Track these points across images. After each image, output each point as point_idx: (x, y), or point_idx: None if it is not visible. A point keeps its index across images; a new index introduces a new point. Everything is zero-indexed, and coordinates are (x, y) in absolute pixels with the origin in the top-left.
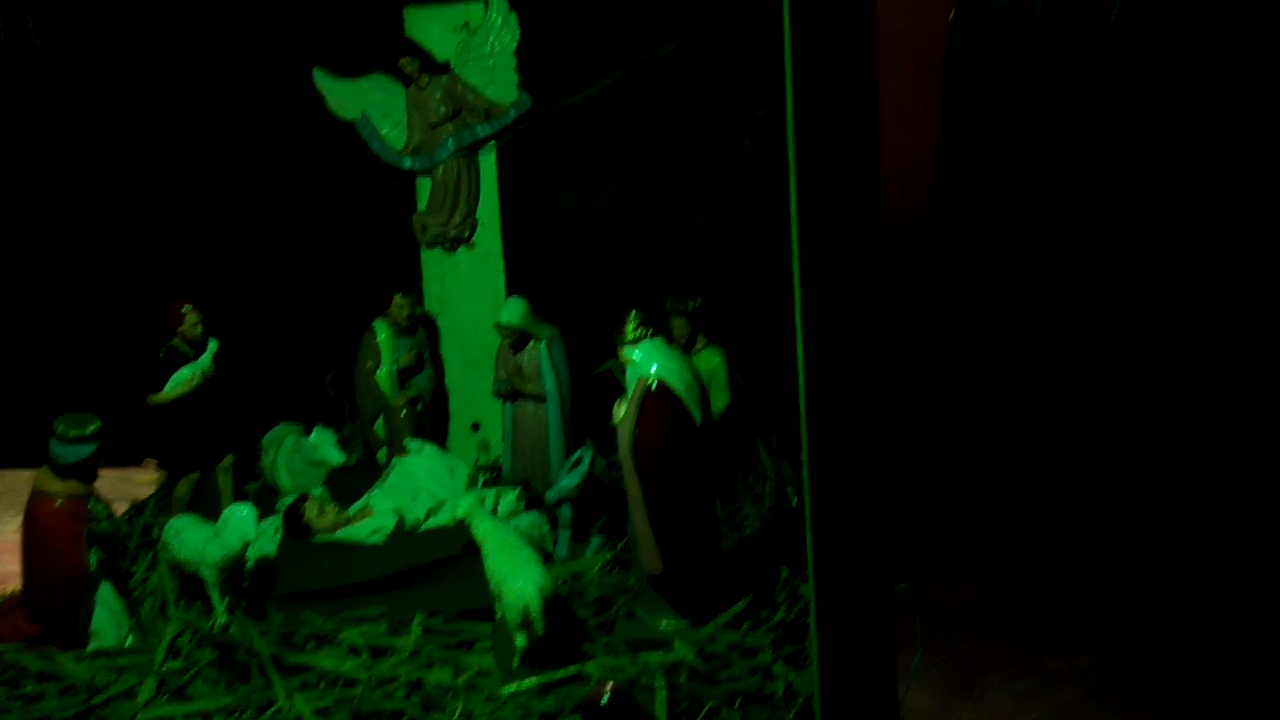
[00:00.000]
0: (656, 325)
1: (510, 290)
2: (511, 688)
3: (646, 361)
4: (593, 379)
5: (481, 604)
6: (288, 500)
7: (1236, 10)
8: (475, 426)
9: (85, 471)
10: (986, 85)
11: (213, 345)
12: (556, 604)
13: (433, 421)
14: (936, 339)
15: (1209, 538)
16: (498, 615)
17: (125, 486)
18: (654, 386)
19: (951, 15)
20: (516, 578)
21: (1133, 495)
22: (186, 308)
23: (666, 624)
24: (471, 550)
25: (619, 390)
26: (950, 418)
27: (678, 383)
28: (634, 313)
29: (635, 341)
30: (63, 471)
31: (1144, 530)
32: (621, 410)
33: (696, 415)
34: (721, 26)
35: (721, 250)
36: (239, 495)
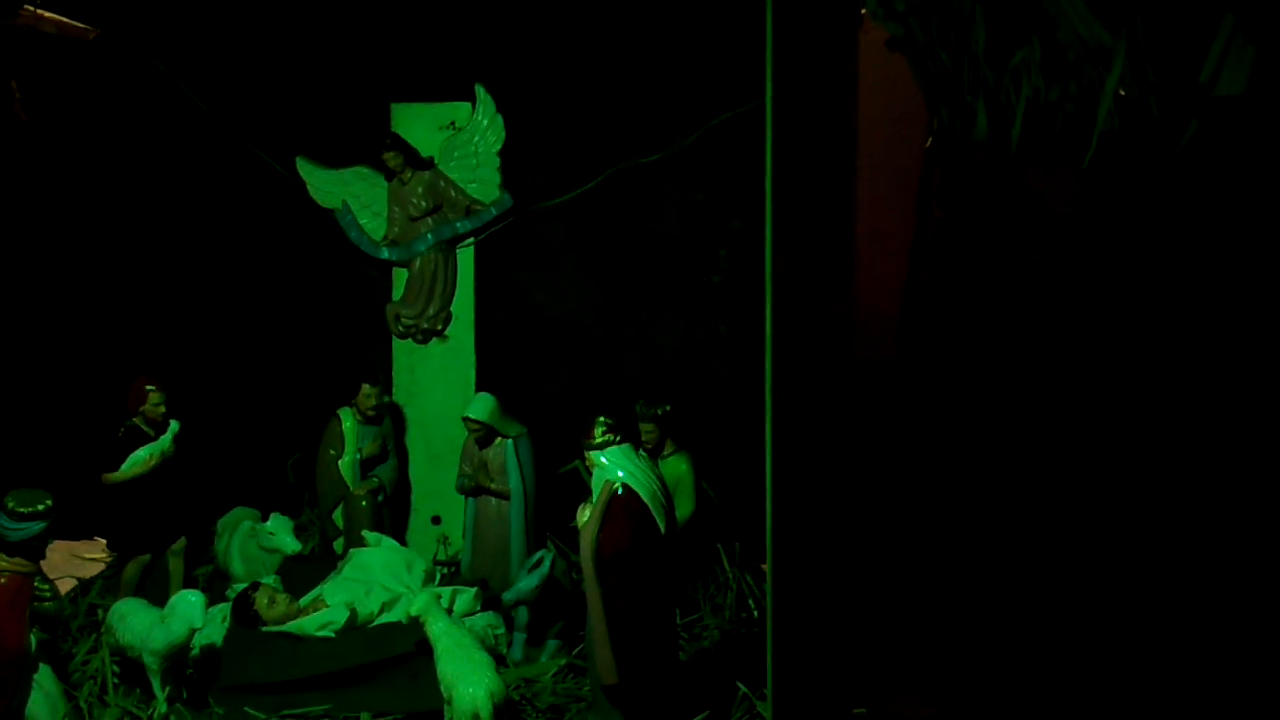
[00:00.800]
0: (624, 431)
1: (480, 385)
2: None
3: (613, 466)
4: (557, 479)
5: (431, 706)
6: (239, 587)
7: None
8: (436, 520)
9: (33, 550)
10: (959, 208)
11: (174, 427)
12: (507, 710)
13: (393, 513)
14: (903, 456)
15: (1175, 663)
16: (447, 718)
17: (72, 563)
18: (619, 491)
19: (929, 142)
20: (468, 681)
21: (1093, 619)
22: (150, 387)
23: None
24: (424, 649)
25: (584, 492)
26: (910, 535)
27: (643, 490)
28: (602, 418)
29: (602, 446)
30: (9, 549)
31: (1104, 656)
32: (586, 514)
33: (661, 523)
34: (704, 140)
35: (692, 357)
36: (189, 580)
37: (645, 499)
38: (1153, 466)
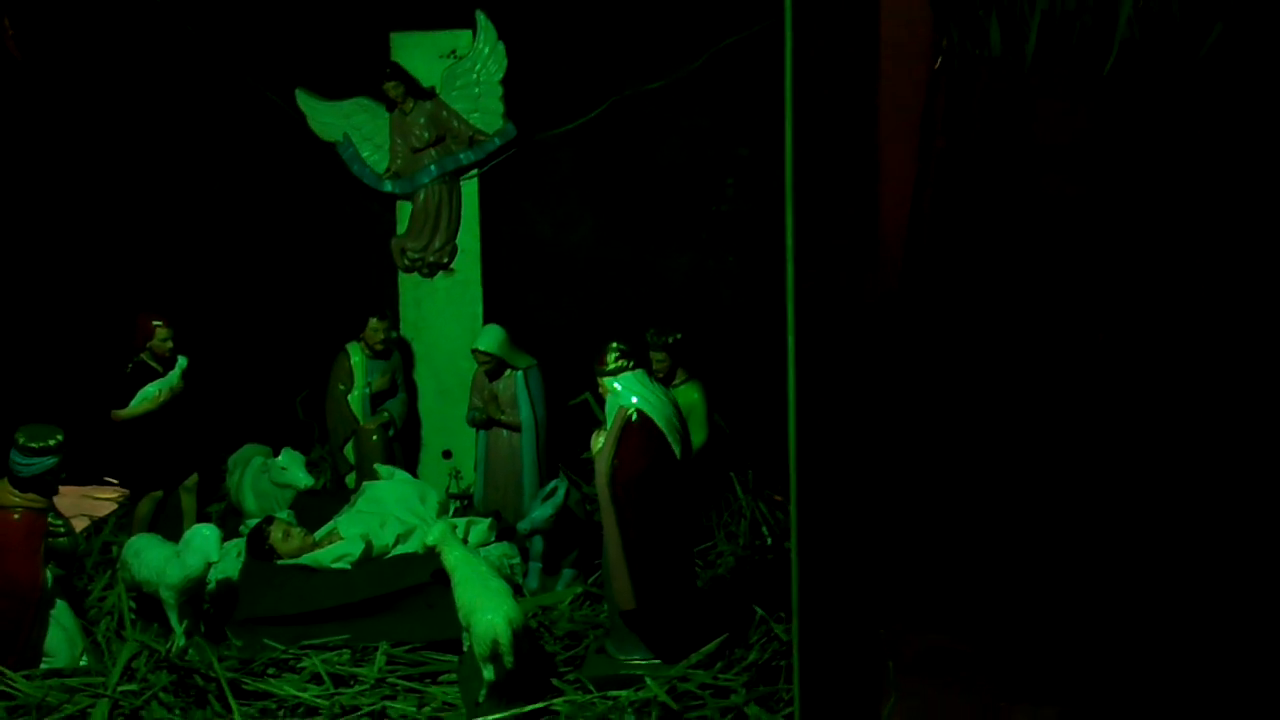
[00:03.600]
0: (637, 358)
1: (488, 318)
2: None
3: (627, 393)
4: (568, 411)
5: (449, 635)
6: (252, 522)
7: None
8: (447, 454)
9: (45, 485)
10: (964, 136)
11: (182, 362)
12: (526, 637)
13: (404, 448)
14: (908, 389)
15: (1178, 589)
16: (465, 647)
17: (85, 504)
18: (634, 417)
19: (938, 63)
20: (486, 609)
21: (1100, 545)
22: (157, 323)
23: (637, 661)
24: (440, 579)
25: (594, 423)
26: (917, 462)
27: (658, 415)
28: (614, 344)
29: (615, 373)
30: (22, 484)
31: (1112, 581)
32: (600, 441)
33: (677, 449)
34: (709, 65)
35: (702, 287)
36: (202, 516)
37: (660, 424)
38: (1163, 399)
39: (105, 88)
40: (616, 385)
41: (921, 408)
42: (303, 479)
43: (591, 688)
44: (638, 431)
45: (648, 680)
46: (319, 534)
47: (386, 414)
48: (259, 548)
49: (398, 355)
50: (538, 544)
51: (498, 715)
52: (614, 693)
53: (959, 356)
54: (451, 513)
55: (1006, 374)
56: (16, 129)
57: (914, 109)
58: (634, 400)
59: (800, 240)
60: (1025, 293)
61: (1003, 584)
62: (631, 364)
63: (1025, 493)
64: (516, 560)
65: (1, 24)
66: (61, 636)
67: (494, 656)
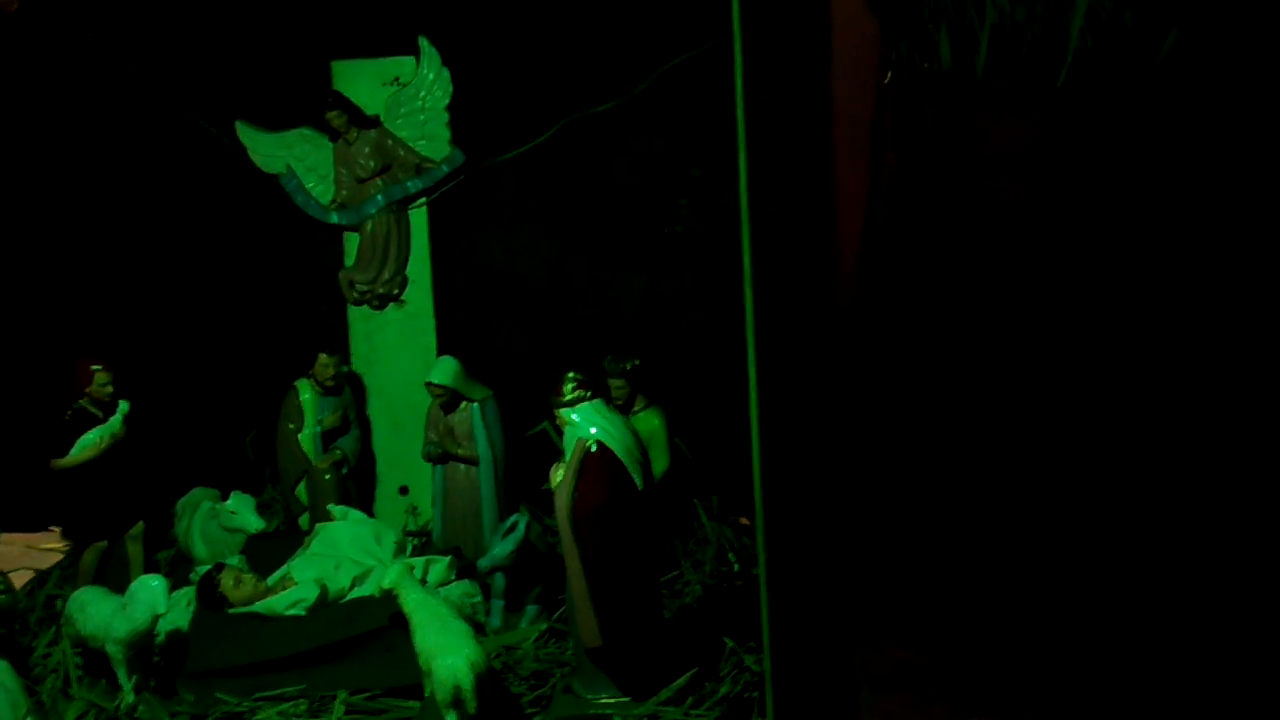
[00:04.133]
0: (595, 387)
1: (441, 350)
2: None
3: (585, 423)
4: (526, 442)
5: (409, 680)
6: (202, 569)
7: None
8: (403, 490)
9: None
10: (913, 152)
11: (123, 407)
12: (490, 680)
13: (359, 486)
14: (867, 402)
15: (1149, 597)
16: (426, 693)
17: (28, 555)
18: (593, 448)
19: (888, 77)
20: (447, 652)
21: (1066, 554)
22: (96, 367)
23: (606, 700)
24: (399, 622)
25: (554, 454)
26: (879, 475)
27: (618, 445)
28: (571, 374)
29: (573, 403)
30: None
31: (1081, 591)
32: (559, 474)
33: (638, 479)
34: (658, 86)
35: (658, 310)
36: (150, 564)
37: (620, 455)
38: (1126, 411)
39: (35, 126)
40: (575, 416)
41: (881, 421)
42: (253, 523)
43: None
44: (597, 463)
45: (616, 719)
46: (272, 579)
47: (339, 452)
48: (210, 596)
49: (349, 391)
50: (499, 581)
51: None
52: None
53: (916, 369)
54: (409, 552)
55: (964, 385)
56: None
57: (866, 123)
58: (593, 431)
59: (757, 257)
60: (980, 305)
61: (967, 596)
62: (589, 394)
63: (988, 503)
64: (478, 598)
65: None
66: (3, 698)
67: (456, 702)
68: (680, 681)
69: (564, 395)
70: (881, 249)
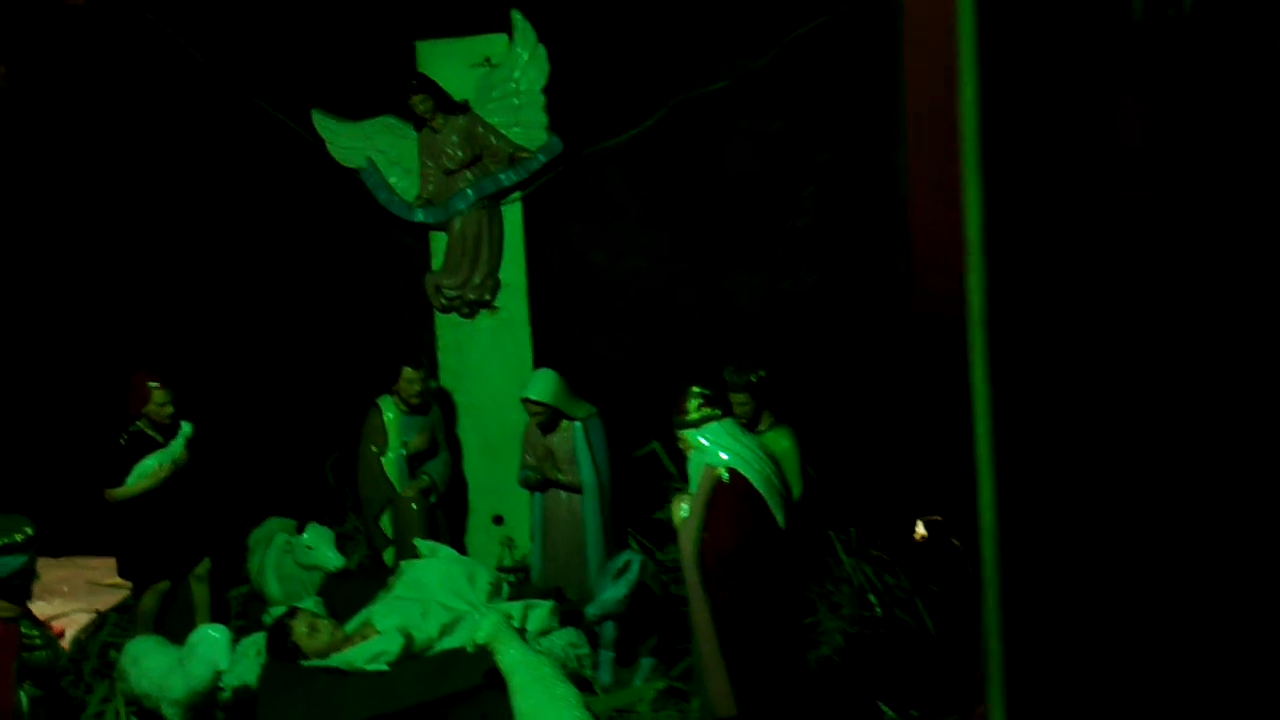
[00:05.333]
0: (725, 404)
1: (538, 362)
2: None
3: (714, 448)
4: (633, 464)
5: None
6: (276, 611)
7: None
8: (498, 520)
9: (14, 589)
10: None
11: (185, 429)
12: None
13: (448, 516)
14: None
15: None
16: None
17: (89, 593)
18: (725, 478)
19: None
20: None
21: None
22: (153, 384)
23: None
24: (495, 681)
25: (664, 476)
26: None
27: (754, 473)
28: (696, 389)
29: (699, 423)
30: None
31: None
32: (684, 507)
33: (779, 514)
34: (778, 60)
35: (778, 315)
36: (220, 604)
37: (757, 484)
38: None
39: (105, 125)
40: (702, 439)
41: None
42: (331, 560)
43: None
44: (730, 495)
45: None
46: (350, 626)
47: (427, 478)
48: (281, 646)
49: (437, 409)
50: (609, 630)
51: None
52: None
53: (1039, 383)
54: (506, 594)
55: (1091, 390)
56: (7, 173)
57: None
58: (724, 456)
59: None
60: (1113, 308)
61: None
62: (719, 412)
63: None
64: (585, 650)
65: None
66: None
67: None
68: None
69: (688, 414)
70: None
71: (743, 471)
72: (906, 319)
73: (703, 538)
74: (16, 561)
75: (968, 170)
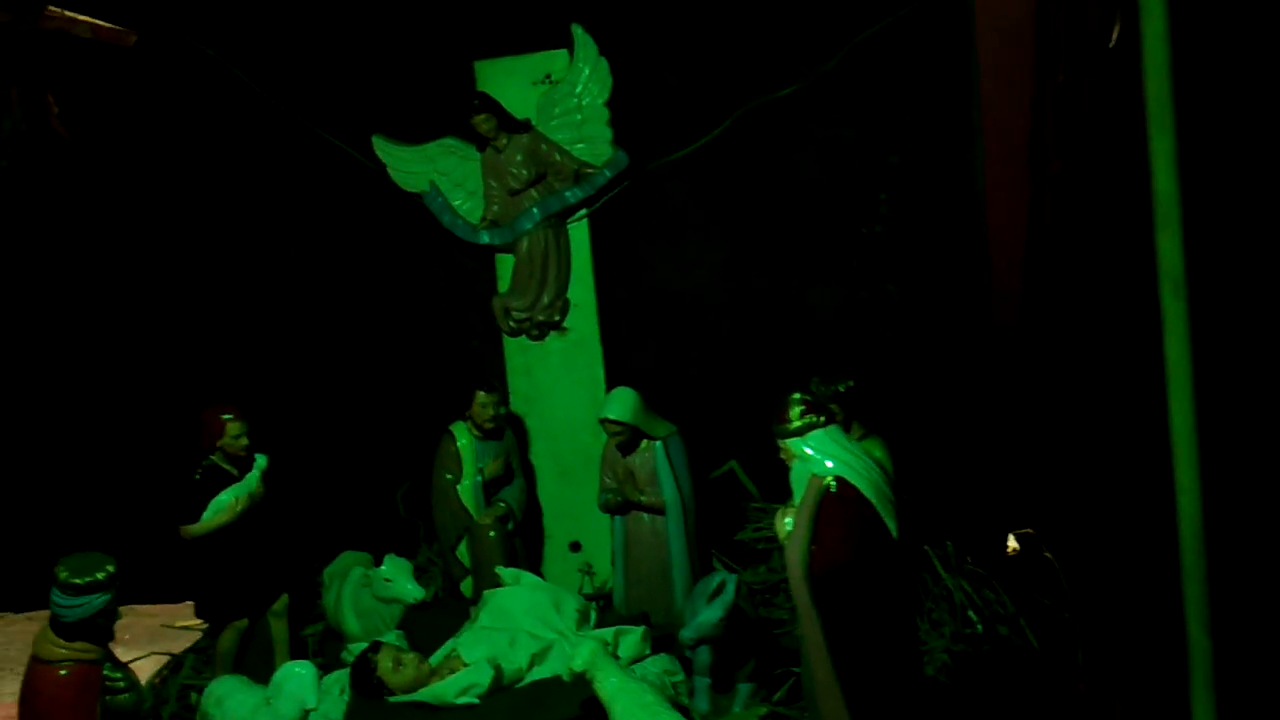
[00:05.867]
0: (828, 411)
1: (610, 382)
2: None
3: (820, 457)
4: (709, 485)
5: None
6: (356, 648)
7: None
8: (575, 547)
9: (97, 630)
10: (1081, 157)
11: (260, 462)
12: None
13: (524, 543)
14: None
15: None
16: None
17: (161, 636)
18: (832, 488)
19: (1060, 77)
20: None
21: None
22: (227, 416)
23: None
24: (593, 711)
25: (741, 497)
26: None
27: (864, 483)
28: (797, 395)
29: (802, 431)
30: (68, 632)
31: None
32: (787, 521)
33: (892, 524)
34: (847, 63)
35: (856, 325)
36: (297, 643)
37: (867, 493)
38: None
39: (163, 159)
40: (806, 448)
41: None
42: (411, 592)
43: None
44: (838, 505)
45: None
46: (435, 659)
47: (503, 505)
48: (366, 682)
49: (510, 434)
50: (704, 655)
51: None
52: None
53: (1092, 387)
54: (593, 622)
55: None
56: (64, 207)
57: (1018, 135)
58: (829, 465)
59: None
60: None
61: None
62: (822, 419)
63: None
64: (680, 676)
65: (46, 102)
66: None
67: None
68: None
69: (790, 422)
70: (1049, 261)
71: (850, 480)
72: (988, 325)
73: (811, 551)
74: (99, 601)
75: (1156, 119)
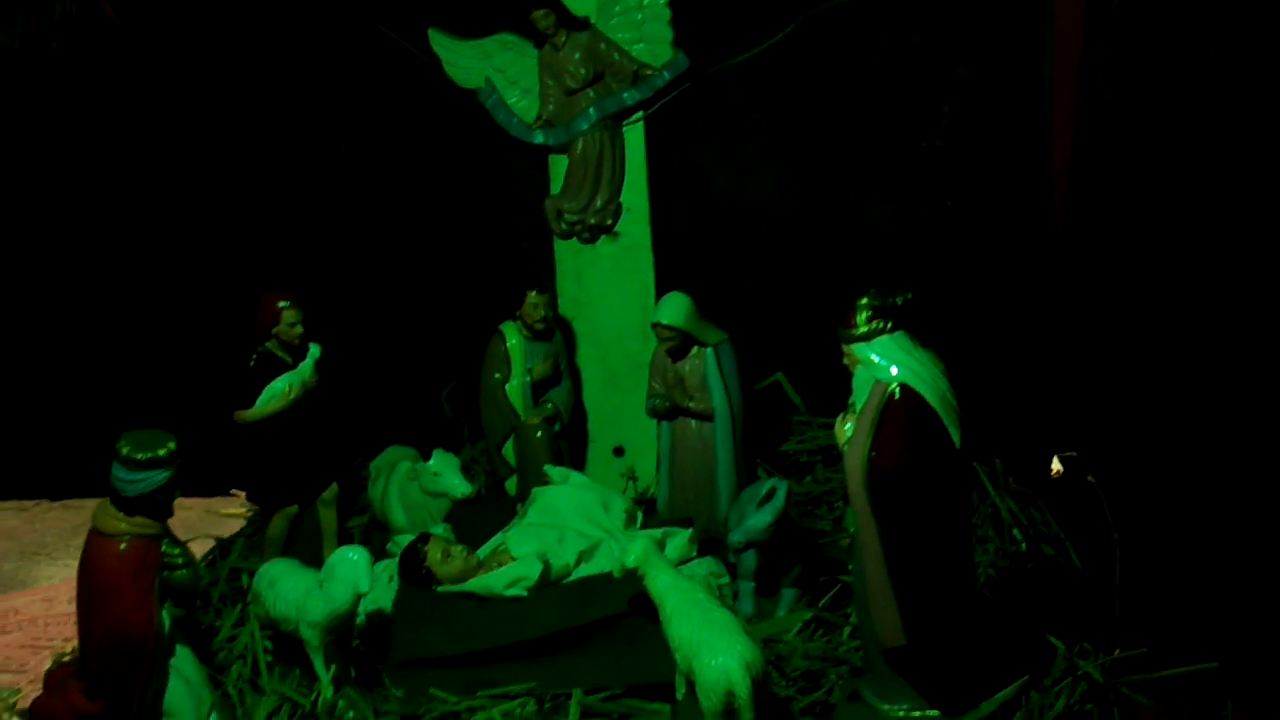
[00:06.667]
0: (896, 316)
1: (660, 289)
2: None
3: (886, 362)
4: (755, 396)
5: (656, 678)
6: (403, 540)
7: None
8: (618, 452)
9: (157, 506)
10: (1133, 88)
11: (314, 351)
12: (766, 685)
13: (569, 445)
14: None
15: None
16: (680, 694)
17: (207, 522)
18: (896, 394)
19: (1114, 6)
20: (714, 650)
21: None
22: (284, 304)
23: (908, 712)
24: (640, 608)
25: (787, 409)
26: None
27: (929, 390)
28: (865, 299)
29: (869, 336)
30: (128, 506)
31: None
32: (849, 427)
33: (955, 433)
34: None
35: (912, 240)
36: (342, 533)
37: (932, 401)
38: None
39: (213, 45)
40: (872, 354)
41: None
42: (459, 486)
43: None
44: (903, 412)
45: None
46: (483, 552)
47: (550, 406)
48: (415, 572)
49: (559, 336)
50: (750, 559)
51: None
52: None
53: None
54: (639, 523)
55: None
56: (117, 97)
57: (1067, 64)
58: (894, 371)
59: None
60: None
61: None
62: (889, 324)
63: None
64: (725, 579)
65: None
66: (185, 691)
67: (727, 712)
68: (1008, 693)
69: (857, 327)
70: (1095, 197)
71: (915, 387)
72: (1045, 246)
73: (871, 457)
74: (160, 477)
75: None
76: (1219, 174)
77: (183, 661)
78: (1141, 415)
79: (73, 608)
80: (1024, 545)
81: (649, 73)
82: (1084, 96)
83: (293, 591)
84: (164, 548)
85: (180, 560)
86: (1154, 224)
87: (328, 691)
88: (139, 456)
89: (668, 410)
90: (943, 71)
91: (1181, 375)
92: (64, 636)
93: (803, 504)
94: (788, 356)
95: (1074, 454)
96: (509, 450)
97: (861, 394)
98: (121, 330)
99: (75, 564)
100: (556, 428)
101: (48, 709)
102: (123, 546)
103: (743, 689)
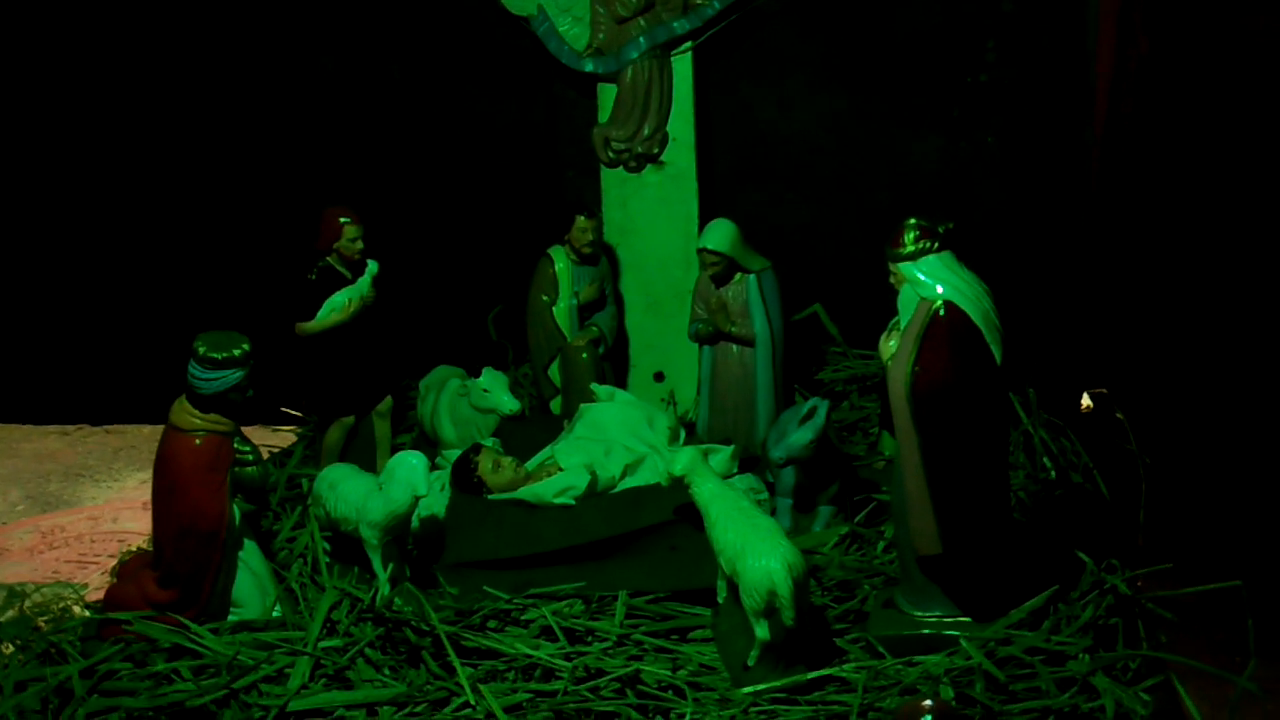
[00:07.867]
0: (943, 238)
1: (703, 218)
2: (751, 689)
3: (932, 280)
4: (793, 326)
5: (696, 584)
6: (451, 454)
7: None
8: (659, 377)
9: (230, 404)
10: (1172, 38)
11: (372, 267)
12: (807, 585)
13: (612, 370)
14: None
15: None
16: (721, 599)
17: (260, 435)
18: (941, 312)
19: None
20: (759, 553)
21: None
22: (345, 219)
23: (940, 618)
24: (685, 516)
25: (824, 339)
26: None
27: (973, 308)
28: (913, 220)
29: (915, 256)
30: (203, 404)
31: None
32: (892, 344)
33: (997, 352)
34: None
35: (954, 176)
36: (394, 447)
37: (976, 319)
38: None
39: None
40: (919, 273)
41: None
42: (508, 403)
43: (884, 651)
44: (947, 329)
45: (963, 643)
46: (531, 464)
47: (596, 329)
48: (466, 480)
49: (606, 261)
50: (788, 476)
51: (775, 681)
52: (917, 658)
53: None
54: (682, 440)
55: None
56: (184, 22)
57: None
58: (939, 290)
59: None
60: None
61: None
62: (935, 244)
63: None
64: (764, 495)
65: None
66: (252, 583)
67: (770, 611)
68: (1037, 601)
69: (904, 246)
70: (1130, 150)
71: (960, 305)
72: (1085, 185)
73: (915, 372)
74: (234, 376)
75: None
76: (1251, 117)
77: (250, 556)
78: (1172, 354)
79: (116, 526)
80: (1053, 473)
81: (699, 3)
82: (1122, 44)
83: (353, 493)
84: (236, 444)
85: (251, 457)
86: (1187, 169)
87: (385, 588)
88: (215, 356)
89: (710, 335)
90: (988, 5)
91: (1212, 317)
92: (109, 553)
93: (838, 430)
94: (826, 289)
95: (1104, 390)
96: (554, 371)
97: (907, 312)
98: (171, 252)
99: (117, 486)
100: (601, 350)
101: (122, 596)
102: (198, 441)
103: (785, 589)
